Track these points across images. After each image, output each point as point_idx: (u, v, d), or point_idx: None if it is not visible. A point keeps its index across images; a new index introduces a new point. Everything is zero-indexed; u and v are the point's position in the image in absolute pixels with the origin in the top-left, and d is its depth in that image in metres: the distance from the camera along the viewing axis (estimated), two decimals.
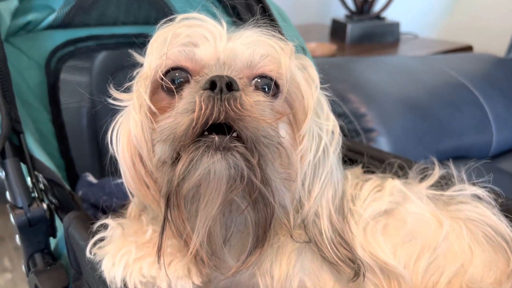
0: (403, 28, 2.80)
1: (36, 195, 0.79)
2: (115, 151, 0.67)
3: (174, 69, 0.64)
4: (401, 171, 0.87)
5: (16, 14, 0.95)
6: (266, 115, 0.57)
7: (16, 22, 0.96)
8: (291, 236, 0.65)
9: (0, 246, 1.96)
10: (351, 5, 2.77)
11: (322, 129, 0.68)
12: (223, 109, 0.54)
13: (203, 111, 0.54)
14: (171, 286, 0.57)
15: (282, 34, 1.16)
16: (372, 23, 2.68)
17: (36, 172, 0.81)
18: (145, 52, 0.68)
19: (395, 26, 2.71)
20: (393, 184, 0.76)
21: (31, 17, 0.99)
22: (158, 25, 0.67)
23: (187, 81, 0.63)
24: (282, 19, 1.21)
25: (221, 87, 0.54)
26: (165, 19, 0.67)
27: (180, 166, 0.54)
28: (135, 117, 0.62)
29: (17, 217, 0.76)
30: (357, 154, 0.96)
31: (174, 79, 0.63)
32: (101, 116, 1.03)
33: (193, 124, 0.54)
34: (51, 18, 1.04)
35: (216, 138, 0.53)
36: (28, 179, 0.80)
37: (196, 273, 0.58)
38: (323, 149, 0.67)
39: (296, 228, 0.67)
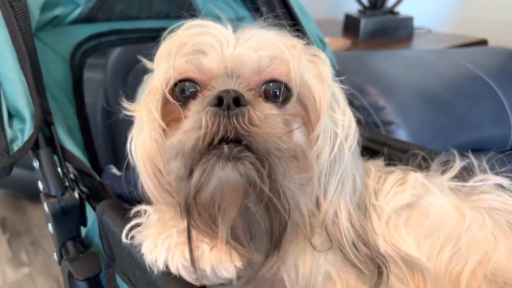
0: (416, 23, 2.79)
1: (68, 184, 0.81)
2: (135, 163, 0.68)
3: (183, 80, 0.63)
4: (425, 163, 0.88)
5: (44, 8, 0.96)
6: (276, 129, 0.56)
7: (44, 16, 0.98)
8: (310, 242, 0.65)
9: (16, 240, 1.99)
10: (365, 0, 2.77)
11: (338, 125, 0.66)
12: (231, 126, 0.54)
13: (209, 129, 0.54)
14: (214, 270, 0.57)
15: (300, 28, 1.18)
16: (385, 18, 2.67)
17: (66, 163, 0.83)
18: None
19: (408, 20, 2.71)
20: (415, 177, 0.76)
21: (58, 11, 1.00)
22: (163, 35, 0.67)
23: (198, 91, 0.63)
24: (301, 12, 1.22)
25: (229, 103, 0.54)
26: (169, 28, 0.67)
27: (194, 179, 0.55)
28: (148, 132, 0.63)
29: (51, 206, 0.78)
30: (380, 145, 0.97)
31: (184, 89, 0.63)
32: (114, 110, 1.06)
33: (200, 142, 0.54)
34: (76, 12, 1.06)
35: (226, 148, 0.54)
36: (59, 170, 0.82)
37: (237, 256, 0.59)
38: (338, 146, 0.66)
39: (317, 228, 0.67)
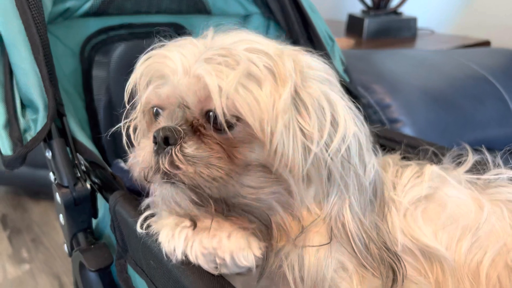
0: (419, 24, 2.80)
1: (80, 175, 0.81)
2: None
3: (154, 106, 0.68)
4: (436, 158, 0.88)
5: (56, 0, 0.97)
6: (198, 167, 0.59)
7: (56, 8, 0.98)
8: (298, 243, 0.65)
9: (17, 238, 1.98)
10: (368, 0, 2.77)
11: (309, 135, 0.61)
12: (161, 165, 0.60)
13: (147, 164, 0.61)
14: (233, 258, 0.58)
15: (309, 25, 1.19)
16: (389, 18, 2.68)
17: (78, 154, 0.83)
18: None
19: (412, 21, 2.71)
20: (432, 169, 0.76)
21: (69, 4, 1.00)
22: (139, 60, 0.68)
23: None
24: (311, 10, 1.23)
25: (159, 142, 0.60)
26: (144, 53, 0.68)
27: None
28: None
29: (63, 196, 0.78)
30: (391, 141, 0.97)
31: (156, 112, 0.68)
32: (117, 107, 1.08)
33: (142, 173, 0.63)
34: (87, 5, 1.06)
35: (160, 177, 0.61)
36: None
37: (256, 245, 0.60)
38: (318, 155, 0.62)
39: (316, 226, 0.66)
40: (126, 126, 0.73)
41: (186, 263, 0.59)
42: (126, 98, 0.70)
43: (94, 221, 0.86)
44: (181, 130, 0.60)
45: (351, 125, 0.63)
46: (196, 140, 0.60)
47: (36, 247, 1.91)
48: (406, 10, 2.76)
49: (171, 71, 0.62)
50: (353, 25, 2.74)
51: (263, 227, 0.63)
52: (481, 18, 2.76)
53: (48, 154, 0.80)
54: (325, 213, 0.65)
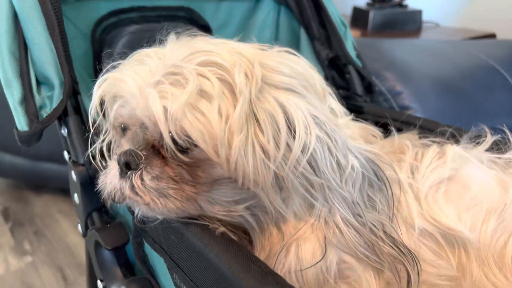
0: (424, 17, 2.79)
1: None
2: None
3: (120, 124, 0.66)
4: (453, 139, 0.87)
5: None
6: (157, 199, 0.59)
7: None
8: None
9: (19, 230, 1.97)
10: None
11: (269, 156, 0.58)
12: (122, 189, 0.61)
13: (111, 187, 0.62)
14: None
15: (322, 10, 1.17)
16: (394, 11, 2.67)
17: None
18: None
19: (417, 14, 2.70)
20: (454, 149, 0.75)
21: None
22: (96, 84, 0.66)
23: None
24: None
25: (121, 167, 0.60)
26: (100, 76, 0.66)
27: None
28: None
29: (79, 174, 0.77)
30: (406, 124, 0.96)
31: (124, 129, 0.66)
32: None
33: (111, 196, 0.63)
34: None
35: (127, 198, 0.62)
36: None
37: None
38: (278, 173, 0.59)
39: (305, 234, 0.64)
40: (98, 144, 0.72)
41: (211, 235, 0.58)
42: (90, 121, 0.69)
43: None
44: (142, 155, 0.59)
45: (313, 132, 0.58)
46: (157, 164, 0.59)
47: (38, 239, 1.90)
48: (411, 3, 2.74)
49: (128, 94, 0.61)
50: (358, 18, 2.73)
51: (244, 236, 0.63)
52: (486, 12, 2.75)
53: (64, 132, 0.79)
54: (311, 222, 0.63)
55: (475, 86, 1.53)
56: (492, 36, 2.57)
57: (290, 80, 0.61)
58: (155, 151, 0.61)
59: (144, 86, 0.59)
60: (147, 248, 0.74)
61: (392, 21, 2.64)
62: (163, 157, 0.60)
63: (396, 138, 0.79)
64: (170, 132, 0.56)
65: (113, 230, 0.77)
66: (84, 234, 0.83)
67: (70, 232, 1.94)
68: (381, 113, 0.98)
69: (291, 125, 0.58)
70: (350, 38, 1.21)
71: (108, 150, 0.71)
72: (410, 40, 1.76)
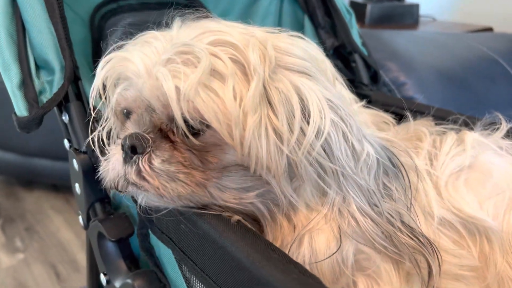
0: (420, 11, 2.78)
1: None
2: None
3: (123, 108, 0.63)
4: (466, 127, 0.85)
5: None
6: (167, 183, 0.56)
7: None
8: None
9: (10, 227, 1.94)
10: None
11: (282, 140, 0.55)
12: (127, 174, 0.57)
13: (116, 173, 0.59)
14: None
15: None
16: (391, 4, 2.66)
17: None
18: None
19: (414, 8, 2.70)
20: (473, 136, 0.73)
21: None
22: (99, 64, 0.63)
23: None
24: None
25: (126, 151, 0.57)
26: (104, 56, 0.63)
27: None
28: None
29: (81, 162, 0.73)
30: (418, 113, 0.94)
31: (127, 113, 0.63)
32: None
33: (113, 183, 0.60)
34: None
35: (131, 185, 0.58)
36: None
37: None
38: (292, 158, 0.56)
39: (318, 225, 0.60)
40: (99, 132, 0.68)
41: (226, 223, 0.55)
42: (91, 105, 0.66)
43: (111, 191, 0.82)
44: (149, 138, 0.56)
45: (328, 117, 0.56)
46: (166, 148, 0.57)
47: (30, 236, 1.88)
48: None
49: (134, 74, 0.58)
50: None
51: (255, 224, 0.61)
52: (483, 6, 2.75)
53: (65, 118, 0.75)
54: (324, 211, 0.59)
55: (477, 78, 1.52)
56: (489, 30, 2.57)
57: (303, 63, 0.59)
58: (163, 134, 0.58)
59: (151, 65, 0.56)
60: (153, 239, 0.71)
61: (389, 15, 2.63)
62: (171, 141, 0.57)
63: (412, 124, 0.77)
64: (182, 112, 0.53)
65: (117, 220, 0.74)
66: (86, 226, 0.80)
67: (62, 228, 1.92)
68: (390, 101, 0.95)
69: (305, 108, 0.56)
70: (355, 26, 1.19)
71: (108, 138, 0.68)
72: (410, 32, 1.74)
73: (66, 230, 1.90)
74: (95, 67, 1.04)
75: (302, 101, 0.56)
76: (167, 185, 0.56)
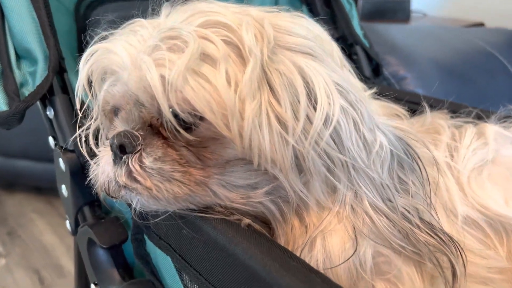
0: (412, 7, 2.77)
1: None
2: None
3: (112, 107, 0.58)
4: (479, 120, 0.81)
5: None
6: (161, 183, 0.50)
7: None
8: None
9: None
10: None
11: (287, 128, 0.49)
12: (117, 176, 0.52)
13: (106, 177, 0.54)
14: None
15: None
16: (383, 0, 2.64)
17: None
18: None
19: (406, 3, 2.69)
20: (494, 129, 0.68)
21: None
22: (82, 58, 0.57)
23: None
24: None
25: (115, 151, 0.52)
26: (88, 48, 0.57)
27: None
28: None
29: (68, 161, 0.67)
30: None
31: (115, 111, 0.58)
32: None
33: (104, 188, 0.55)
34: None
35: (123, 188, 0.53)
36: None
37: None
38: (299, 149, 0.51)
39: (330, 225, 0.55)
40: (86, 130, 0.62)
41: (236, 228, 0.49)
42: (77, 104, 0.60)
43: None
44: (139, 135, 0.51)
45: (337, 102, 0.50)
46: (158, 145, 0.51)
47: (12, 240, 1.84)
48: None
49: (119, 67, 0.52)
50: None
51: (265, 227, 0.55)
52: (473, 1, 2.74)
53: (50, 113, 0.69)
54: (336, 209, 0.54)
55: (476, 72, 1.50)
56: (481, 25, 2.55)
57: (307, 42, 0.53)
58: (154, 131, 0.52)
59: (136, 55, 0.50)
60: (149, 246, 0.65)
61: (381, 10, 2.61)
62: (164, 138, 0.52)
63: (429, 116, 0.72)
64: (170, 105, 0.48)
65: (109, 226, 0.67)
66: (74, 232, 0.73)
67: (45, 232, 1.87)
68: (398, 95, 0.90)
69: (310, 92, 0.50)
70: (356, 17, 1.13)
71: (96, 138, 0.62)
72: (408, 26, 1.73)
73: (50, 234, 1.85)
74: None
75: (307, 84, 0.50)
76: (161, 185, 0.50)
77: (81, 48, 0.99)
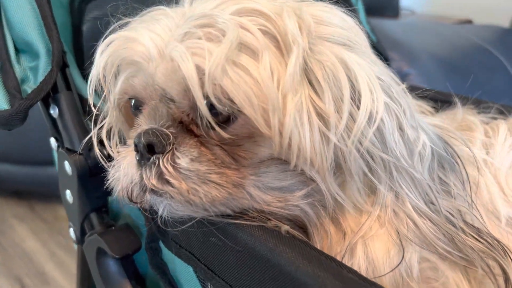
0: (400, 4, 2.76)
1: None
2: None
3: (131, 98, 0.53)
4: (500, 116, 0.78)
5: None
6: (197, 186, 0.46)
7: None
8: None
9: None
10: None
11: (328, 125, 0.46)
12: (145, 180, 0.47)
13: (129, 180, 0.49)
14: None
15: None
16: None
17: None
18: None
19: (395, 0, 2.67)
20: None
21: None
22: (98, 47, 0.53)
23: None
24: None
25: (142, 151, 0.47)
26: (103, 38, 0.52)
27: None
28: None
29: (75, 164, 0.61)
30: (445, 103, 0.86)
31: (135, 104, 0.53)
32: None
33: (126, 193, 0.50)
34: None
35: (149, 193, 0.49)
36: None
37: None
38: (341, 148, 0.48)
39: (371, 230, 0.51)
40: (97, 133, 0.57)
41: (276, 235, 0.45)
42: (90, 100, 0.55)
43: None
44: (169, 134, 0.47)
45: (380, 99, 0.47)
46: (192, 144, 0.47)
47: None
48: None
49: (143, 57, 0.48)
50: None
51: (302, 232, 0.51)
52: (461, 0, 2.75)
53: (54, 112, 0.63)
54: (376, 213, 0.50)
55: (477, 67, 1.50)
56: (469, 22, 2.56)
57: (344, 33, 0.49)
58: (185, 128, 0.48)
59: (164, 45, 0.46)
60: (166, 254, 0.60)
61: (370, 7, 2.57)
62: (196, 136, 0.47)
63: (460, 112, 0.68)
64: (206, 97, 0.43)
65: (121, 234, 0.62)
66: (80, 241, 0.67)
67: (27, 238, 1.80)
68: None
69: (354, 87, 0.46)
70: (362, 11, 1.10)
71: (108, 138, 0.56)
72: (405, 21, 1.70)
73: (32, 240, 1.78)
74: (75, 56, 0.92)
75: (349, 78, 0.46)
76: (198, 188, 0.46)
77: (76, 45, 0.94)
